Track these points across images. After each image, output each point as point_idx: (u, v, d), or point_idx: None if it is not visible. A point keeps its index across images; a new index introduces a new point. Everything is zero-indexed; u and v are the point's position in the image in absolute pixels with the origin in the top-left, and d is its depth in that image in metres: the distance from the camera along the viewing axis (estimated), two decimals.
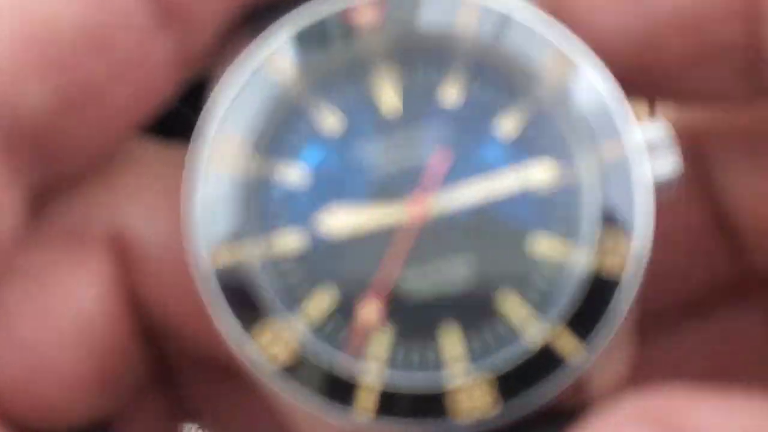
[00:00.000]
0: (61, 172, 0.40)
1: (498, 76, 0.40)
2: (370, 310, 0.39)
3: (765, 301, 0.48)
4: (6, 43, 0.36)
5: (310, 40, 0.40)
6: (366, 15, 0.40)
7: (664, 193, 0.40)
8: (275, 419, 0.46)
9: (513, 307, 0.39)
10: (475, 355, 0.39)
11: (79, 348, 0.41)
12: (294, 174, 0.40)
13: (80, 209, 0.41)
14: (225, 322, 0.38)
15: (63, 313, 0.40)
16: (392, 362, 0.39)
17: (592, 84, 0.39)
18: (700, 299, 0.47)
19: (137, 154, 0.43)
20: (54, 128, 0.38)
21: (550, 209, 0.40)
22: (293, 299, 0.39)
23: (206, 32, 0.40)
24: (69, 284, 0.41)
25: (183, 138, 0.42)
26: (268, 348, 0.38)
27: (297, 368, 0.38)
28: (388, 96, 0.40)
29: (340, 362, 0.39)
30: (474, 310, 0.39)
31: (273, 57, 0.39)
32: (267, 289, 0.39)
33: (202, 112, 0.40)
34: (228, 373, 0.46)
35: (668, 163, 0.40)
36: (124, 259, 0.42)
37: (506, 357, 0.39)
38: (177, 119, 0.42)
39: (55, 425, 0.42)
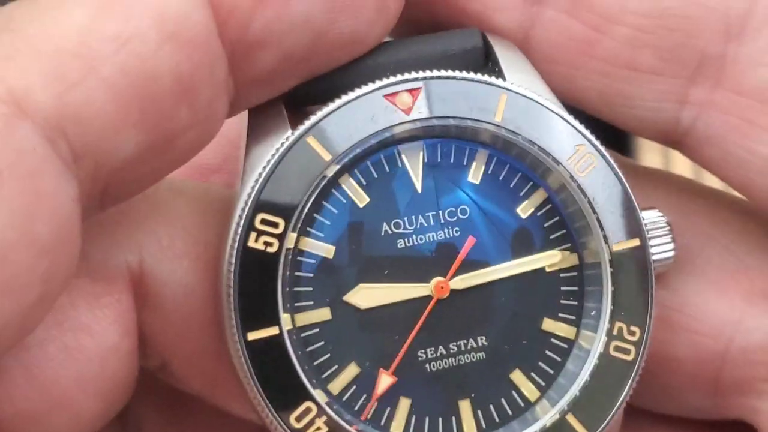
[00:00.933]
0: (106, 206, 0.41)
1: (520, 163, 0.43)
2: (389, 382, 0.41)
3: None
4: (109, 92, 0.36)
5: (349, 116, 0.41)
6: (403, 98, 0.42)
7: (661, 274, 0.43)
8: None
9: (524, 387, 0.42)
10: (486, 429, 0.42)
11: (96, 386, 0.41)
12: (325, 251, 0.42)
13: (103, 247, 0.42)
14: (259, 396, 0.40)
15: (83, 351, 0.41)
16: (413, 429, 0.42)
17: (604, 175, 0.42)
18: None
19: (163, 192, 0.43)
20: (131, 174, 0.39)
21: (563, 295, 0.43)
22: (320, 373, 0.41)
23: (258, 89, 0.41)
24: (92, 323, 0.41)
25: None
26: (304, 419, 0.41)
27: None
28: (416, 176, 0.42)
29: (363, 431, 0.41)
30: (488, 387, 0.42)
31: (312, 131, 0.41)
32: (296, 363, 0.41)
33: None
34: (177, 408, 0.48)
35: (666, 248, 0.43)
36: (143, 299, 0.42)
37: None
38: None
39: None
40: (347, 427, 0.41)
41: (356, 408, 0.42)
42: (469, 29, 0.43)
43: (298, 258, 0.41)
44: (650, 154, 1.01)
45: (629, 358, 0.41)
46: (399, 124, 0.41)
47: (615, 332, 0.42)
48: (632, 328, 0.41)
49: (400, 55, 0.42)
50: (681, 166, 0.97)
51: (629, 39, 0.41)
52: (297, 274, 0.41)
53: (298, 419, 0.40)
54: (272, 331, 0.40)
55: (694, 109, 0.42)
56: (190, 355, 0.43)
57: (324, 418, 0.40)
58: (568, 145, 0.41)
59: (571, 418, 0.41)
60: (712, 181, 0.46)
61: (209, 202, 0.43)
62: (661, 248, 0.42)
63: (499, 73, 0.42)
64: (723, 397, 0.44)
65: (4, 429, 0.40)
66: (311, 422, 0.40)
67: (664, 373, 0.44)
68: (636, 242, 0.42)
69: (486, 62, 0.43)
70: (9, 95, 0.35)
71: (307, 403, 0.40)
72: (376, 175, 0.42)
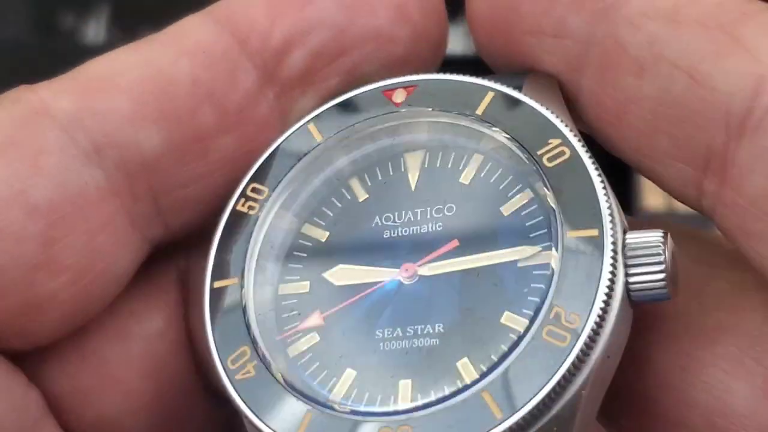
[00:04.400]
0: (172, 229, 0.45)
1: (507, 162, 0.45)
2: (316, 322, 0.44)
3: None
4: (127, 93, 0.42)
5: (348, 105, 0.46)
6: (399, 93, 0.46)
7: (645, 297, 0.41)
8: None
9: (466, 372, 0.41)
10: (420, 406, 0.41)
11: (143, 366, 0.45)
12: (321, 236, 0.46)
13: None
14: (209, 332, 0.44)
15: (132, 333, 0.45)
16: (349, 400, 0.42)
17: (573, 168, 0.42)
18: None
19: None
20: (165, 172, 0.43)
21: (527, 290, 0.42)
22: (286, 338, 0.44)
23: (302, 93, 0.46)
24: (139, 308, 0.46)
25: None
26: (238, 362, 0.43)
27: (257, 384, 0.43)
28: (413, 177, 0.46)
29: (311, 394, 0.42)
30: (432, 372, 0.42)
31: (313, 119, 0.46)
32: (255, 318, 0.44)
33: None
34: None
35: (652, 271, 0.41)
36: (187, 299, 0.47)
37: (436, 408, 0.40)
38: None
39: None
40: (274, 374, 0.42)
41: (306, 373, 0.43)
42: (522, 71, 0.46)
43: (299, 241, 0.45)
44: (654, 196, 1.00)
45: (563, 344, 0.40)
46: (387, 113, 0.45)
47: (551, 316, 0.40)
48: (572, 314, 0.40)
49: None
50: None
51: (648, 122, 0.42)
52: (294, 253, 0.45)
53: (234, 361, 0.43)
54: (233, 281, 0.44)
55: (710, 200, 0.42)
56: None
57: (254, 362, 0.43)
58: (542, 138, 0.43)
59: (486, 395, 0.40)
60: None
61: None
62: (646, 270, 0.41)
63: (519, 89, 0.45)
64: None
65: (66, 402, 0.44)
66: (243, 365, 0.43)
67: None
68: (593, 232, 0.41)
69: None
70: (39, 102, 0.42)
71: (243, 347, 0.43)
72: (380, 177, 0.46)
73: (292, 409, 0.42)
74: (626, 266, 0.41)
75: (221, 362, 0.43)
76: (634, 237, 0.42)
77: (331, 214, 0.46)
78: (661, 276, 0.41)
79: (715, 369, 0.42)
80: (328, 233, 0.45)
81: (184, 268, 0.47)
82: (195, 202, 0.45)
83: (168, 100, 0.43)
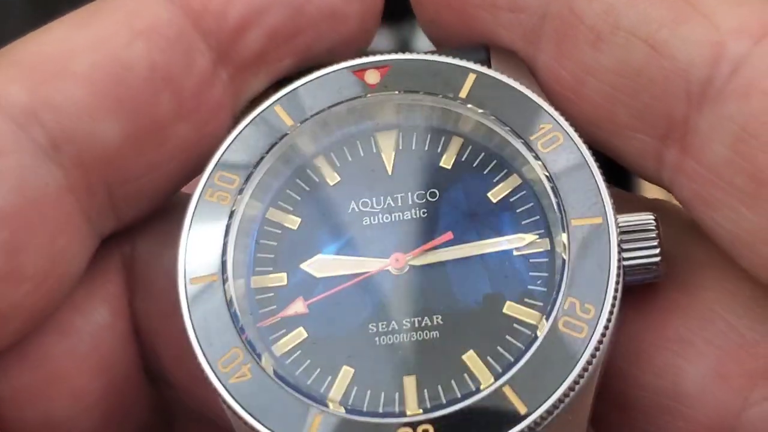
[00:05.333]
0: (124, 220, 0.43)
1: (495, 150, 0.43)
2: (299, 309, 0.42)
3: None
4: (83, 81, 0.40)
5: (317, 87, 0.43)
6: (371, 74, 0.44)
7: (640, 277, 0.41)
8: None
9: (477, 370, 0.41)
10: (430, 408, 0.40)
11: (91, 362, 0.43)
12: (291, 222, 0.43)
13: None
14: (192, 336, 0.41)
15: (75, 329, 0.43)
16: (348, 404, 0.41)
17: (568, 153, 0.42)
18: None
19: None
20: (122, 164, 0.41)
21: (528, 279, 0.42)
22: (269, 334, 0.42)
23: (254, 74, 0.43)
24: (82, 301, 0.43)
25: None
26: (230, 365, 0.41)
27: (254, 386, 0.40)
28: (388, 160, 0.44)
29: (308, 392, 0.41)
30: (437, 366, 0.41)
31: (280, 100, 0.43)
32: (239, 315, 0.41)
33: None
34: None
35: (645, 251, 0.41)
36: (133, 285, 0.44)
37: (457, 408, 0.40)
38: None
39: None
40: (274, 379, 0.40)
41: (297, 372, 0.41)
42: (477, 46, 0.44)
43: (265, 227, 0.43)
44: (654, 195, 1.00)
45: (581, 335, 0.40)
46: (362, 96, 0.43)
47: (566, 307, 0.40)
48: (587, 305, 0.40)
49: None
50: None
51: (607, 94, 0.42)
52: (262, 241, 0.43)
53: (225, 365, 0.41)
54: (212, 277, 0.41)
55: (670, 171, 0.42)
56: (175, 342, 0.43)
57: (249, 365, 0.41)
58: (533, 123, 0.42)
59: (508, 390, 0.40)
60: None
61: None
62: (644, 252, 0.41)
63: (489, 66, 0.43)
64: None
65: (6, 407, 0.42)
66: (237, 368, 0.41)
67: None
68: (598, 220, 0.41)
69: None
70: None
71: (235, 350, 0.41)
72: (349, 158, 0.44)
73: (298, 411, 0.40)
74: (623, 250, 0.41)
75: (212, 368, 0.40)
76: (628, 220, 0.42)
77: (299, 198, 0.43)
78: (657, 259, 0.42)
79: (666, 351, 0.42)
80: (299, 220, 0.43)
81: (129, 254, 0.44)
82: (149, 192, 0.43)
83: (125, 88, 0.40)
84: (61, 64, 0.39)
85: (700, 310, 0.42)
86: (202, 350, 0.40)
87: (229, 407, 0.40)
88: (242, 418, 0.40)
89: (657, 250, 0.42)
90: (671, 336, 0.42)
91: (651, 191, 1.01)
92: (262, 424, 0.40)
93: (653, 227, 0.42)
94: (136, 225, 0.44)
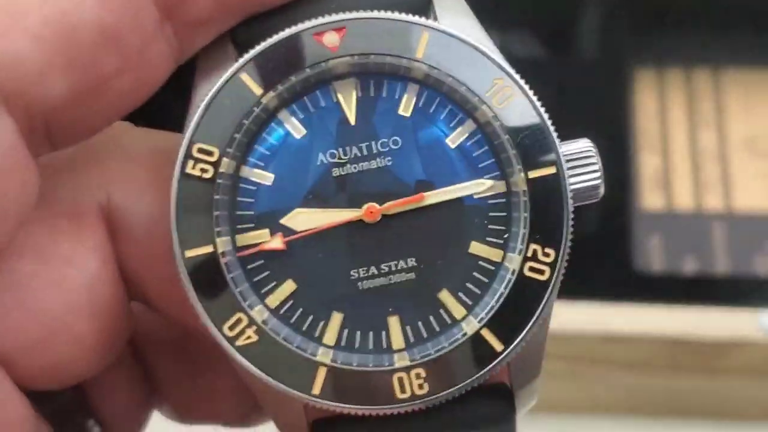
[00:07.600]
0: (58, 148, 0.44)
1: (449, 97, 0.45)
2: (277, 245, 0.44)
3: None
4: (33, 40, 0.40)
5: (280, 54, 0.45)
6: (330, 36, 0.44)
7: (584, 200, 0.45)
8: (238, 400, 0.52)
9: (451, 305, 0.44)
10: (413, 343, 0.44)
11: (88, 310, 0.45)
12: (264, 178, 0.45)
13: (74, 187, 0.46)
14: (198, 306, 0.44)
15: (71, 280, 0.45)
16: (341, 344, 0.44)
17: (522, 107, 0.44)
18: None
19: (126, 139, 0.48)
20: (66, 115, 0.42)
21: (488, 220, 0.45)
22: (258, 289, 0.45)
23: (199, 33, 0.44)
24: (73, 254, 0.45)
25: (166, 125, 0.47)
26: (236, 329, 0.44)
27: (261, 347, 0.44)
28: (349, 109, 0.45)
29: (298, 343, 0.44)
30: (416, 305, 0.45)
31: (245, 68, 0.44)
32: (235, 280, 0.44)
33: (185, 104, 0.45)
34: (192, 356, 0.52)
35: (589, 176, 0.45)
36: (114, 232, 0.46)
37: (439, 346, 0.44)
38: (161, 108, 0.47)
39: (63, 383, 0.46)
40: (275, 336, 0.44)
41: (292, 321, 0.44)
42: None
43: (240, 185, 0.45)
44: (654, 196, 0.99)
45: (543, 278, 0.44)
46: (325, 60, 0.44)
47: (529, 254, 0.44)
48: (547, 250, 0.44)
49: (346, 3, 0.45)
50: (683, 199, 0.96)
51: None
52: (239, 199, 0.45)
53: (231, 328, 0.44)
54: (207, 249, 0.44)
55: None
56: (161, 280, 0.46)
57: (254, 327, 0.44)
58: (486, 78, 0.44)
59: (485, 332, 0.44)
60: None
61: (167, 139, 0.47)
62: (586, 177, 0.45)
63: (435, 18, 0.45)
64: None
65: (11, 360, 0.44)
66: (242, 331, 0.43)
67: None
68: (552, 170, 0.44)
69: (428, 10, 0.45)
70: None
71: (239, 314, 0.44)
72: (312, 109, 0.45)
73: (304, 365, 0.44)
74: (569, 176, 0.45)
75: (219, 330, 0.43)
76: (568, 147, 0.45)
77: (269, 153, 0.45)
78: (599, 181, 0.45)
79: None
80: (273, 175, 0.45)
81: (106, 203, 0.46)
82: (83, 128, 0.44)
83: (74, 48, 0.41)
84: (11, 18, 0.40)
85: None
86: (212, 319, 0.44)
87: (242, 367, 0.44)
88: (263, 380, 0.43)
89: (598, 173, 0.45)
90: None
91: (651, 191, 1.00)
92: (283, 384, 0.44)
93: (591, 148, 0.45)
94: (108, 174, 0.46)
